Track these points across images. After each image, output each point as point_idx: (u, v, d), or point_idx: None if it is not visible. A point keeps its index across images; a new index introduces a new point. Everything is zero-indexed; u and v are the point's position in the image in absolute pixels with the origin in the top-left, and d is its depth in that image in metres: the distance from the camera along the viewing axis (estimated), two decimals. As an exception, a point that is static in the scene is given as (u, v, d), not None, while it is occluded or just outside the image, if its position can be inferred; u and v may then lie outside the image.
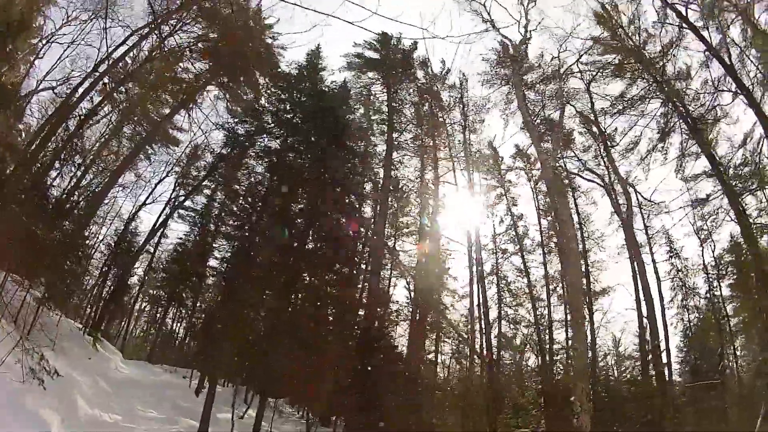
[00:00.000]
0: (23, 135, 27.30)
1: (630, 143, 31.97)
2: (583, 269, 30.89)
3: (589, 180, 33.52)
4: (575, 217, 32.88)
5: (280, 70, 31.75)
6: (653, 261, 30.98)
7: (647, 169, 31.02)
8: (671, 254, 32.17)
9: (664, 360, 28.34)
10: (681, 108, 29.04)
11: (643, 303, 28.99)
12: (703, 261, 31.11)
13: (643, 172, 31.20)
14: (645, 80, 31.04)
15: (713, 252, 31.03)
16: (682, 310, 31.69)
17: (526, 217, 36.55)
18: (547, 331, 32.86)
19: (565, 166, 32.92)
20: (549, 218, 34.82)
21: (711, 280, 30.94)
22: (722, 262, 31.12)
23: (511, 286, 34.79)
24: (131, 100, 31.10)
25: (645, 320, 28.68)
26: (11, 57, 24.75)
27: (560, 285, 33.45)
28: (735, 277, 30.70)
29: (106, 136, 32.31)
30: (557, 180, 25.39)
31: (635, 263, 30.09)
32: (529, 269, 34.71)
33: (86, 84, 27.59)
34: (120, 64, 29.33)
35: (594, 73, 31.74)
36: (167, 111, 33.77)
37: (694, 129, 28.28)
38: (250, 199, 26.96)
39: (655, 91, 30.49)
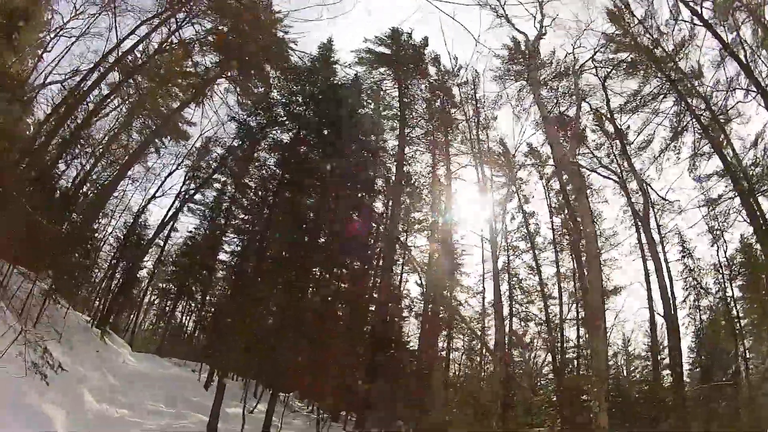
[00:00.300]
0: (31, 128, 26.59)
1: (643, 141, 31.29)
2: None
3: (605, 177, 32.59)
4: (587, 215, 31.62)
5: (293, 61, 31.21)
6: (666, 260, 29.85)
7: (660, 168, 30.25)
8: (684, 254, 31.36)
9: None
10: (694, 107, 28.29)
11: (659, 302, 27.92)
12: (719, 261, 30.15)
13: (656, 171, 30.46)
14: (659, 78, 30.18)
15: (725, 252, 30.04)
16: (694, 310, 30.89)
17: (538, 214, 35.87)
18: (558, 329, 32.10)
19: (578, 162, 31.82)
20: (561, 216, 34.16)
21: (723, 280, 30.04)
22: (734, 262, 30.25)
23: (522, 283, 34.19)
24: (140, 93, 30.35)
25: (662, 319, 27.80)
26: (19, 49, 24.00)
27: (573, 283, 32.89)
28: (745, 278, 29.84)
29: (116, 129, 31.72)
30: (576, 176, 24.61)
31: (650, 261, 29.28)
32: (540, 267, 34.06)
33: (95, 76, 27.12)
34: (129, 56, 28.70)
35: (609, 70, 30.99)
36: (177, 104, 32.98)
37: (707, 128, 27.63)
38: (261, 192, 26.41)
39: (669, 89, 29.71)
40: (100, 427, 15.86)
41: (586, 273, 26.47)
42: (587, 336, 27.77)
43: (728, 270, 30.03)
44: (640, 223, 30.12)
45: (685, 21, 27.65)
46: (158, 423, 19.01)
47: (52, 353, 16.79)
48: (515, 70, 33.30)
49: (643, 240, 30.02)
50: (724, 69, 27.00)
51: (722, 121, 27.47)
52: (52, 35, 27.18)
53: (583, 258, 28.48)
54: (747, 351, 28.59)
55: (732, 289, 29.80)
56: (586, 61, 29.20)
